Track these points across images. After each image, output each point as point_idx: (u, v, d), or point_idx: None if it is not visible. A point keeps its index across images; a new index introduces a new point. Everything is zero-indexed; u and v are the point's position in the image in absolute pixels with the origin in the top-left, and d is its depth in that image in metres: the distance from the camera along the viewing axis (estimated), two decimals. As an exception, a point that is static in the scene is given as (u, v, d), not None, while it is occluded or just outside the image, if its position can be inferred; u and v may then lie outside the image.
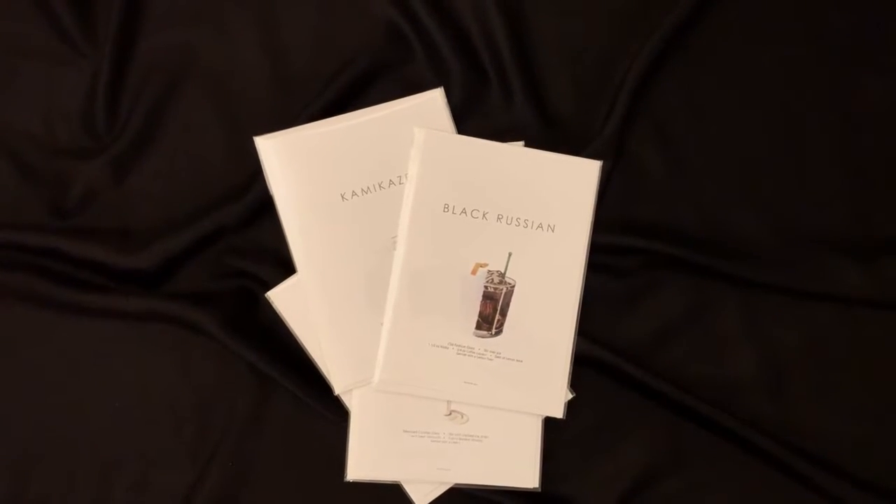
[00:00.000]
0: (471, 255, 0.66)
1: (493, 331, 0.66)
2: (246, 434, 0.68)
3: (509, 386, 0.66)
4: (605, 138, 0.68)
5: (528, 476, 0.66)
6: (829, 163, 0.70)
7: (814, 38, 0.71)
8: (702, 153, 0.70)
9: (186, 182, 0.70)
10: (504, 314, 0.66)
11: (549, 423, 0.67)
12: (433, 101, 0.69)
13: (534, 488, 0.67)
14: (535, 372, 0.66)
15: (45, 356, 0.68)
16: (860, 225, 0.69)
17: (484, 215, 0.67)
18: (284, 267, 0.68)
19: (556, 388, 0.66)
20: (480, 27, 0.70)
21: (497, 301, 0.66)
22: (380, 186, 0.67)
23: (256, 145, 0.67)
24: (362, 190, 0.67)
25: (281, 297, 0.67)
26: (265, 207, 0.68)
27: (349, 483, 0.66)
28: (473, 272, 0.66)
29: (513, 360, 0.66)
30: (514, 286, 0.66)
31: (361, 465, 0.66)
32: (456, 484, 0.67)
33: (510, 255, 0.66)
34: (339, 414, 0.67)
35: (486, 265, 0.66)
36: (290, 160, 0.67)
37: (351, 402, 0.67)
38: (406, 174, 0.67)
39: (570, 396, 0.67)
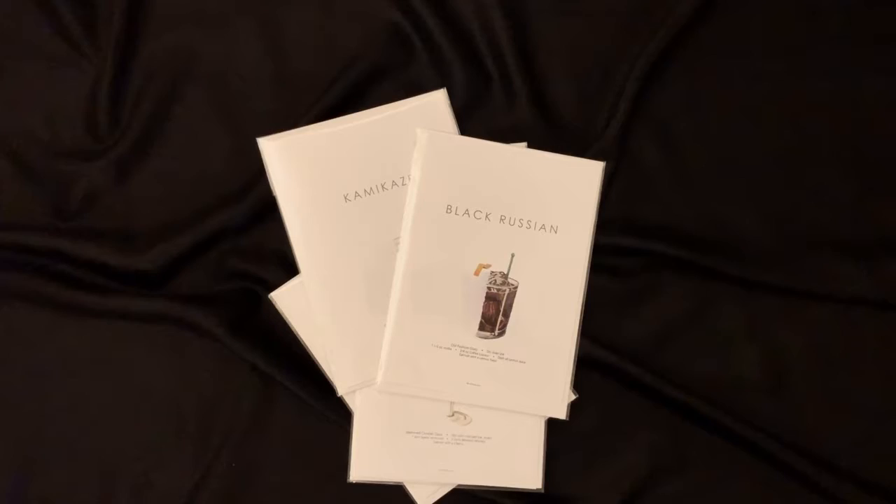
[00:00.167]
0: (473, 257, 0.66)
1: (496, 332, 0.66)
2: (249, 435, 0.68)
3: (512, 387, 0.66)
4: (607, 139, 0.69)
5: (530, 477, 0.67)
6: (830, 163, 0.70)
7: (814, 39, 0.71)
8: (704, 154, 0.70)
9: (189, 183, 0.70)
10: (507, 315, 0.66)
11: (551, 424, 0.67)
12: (436, 103, 0.69)
13: (536, 489, 0.67)
14: (537, 373, 0.66)
15: (47, 357, 0.68)
16: (861, 225, 0.69)
17: (487, 216, 0.67)
18: (287, 268, 0.68)
19: (558, 389, 0.66)
20: (483, 28, 0.70)
21: (500, 302, 0.66)
22: (382, 188, 0.67)
23: (259, 146, 0.67)
24: (365, 191, 0.67)
25: (284, 298, 0.67)
26: (268, 209, 0.68)
27: (352, 484, 0.66)
28: (476, 273, 0.66)
29: (515, 361, 0.66)
30: (516, 287, 0.66)
31: (364, 466, 0.66)
32: (459, 485, 0.67)
33: (513, 256, 0.66)
34: (342, 415, 0.67)
35: (488, 266, 0.66)
36: (293, 161, 0.67)
37: (354, 403, 0.67)
38: (409, 175, 0.67)
39: (572, 397, 0.67)
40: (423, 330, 0.66)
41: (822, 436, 0.67)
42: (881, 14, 0.72)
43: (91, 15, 0.72)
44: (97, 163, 0.70)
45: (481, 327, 0.66)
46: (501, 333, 0.66)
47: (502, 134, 0.69)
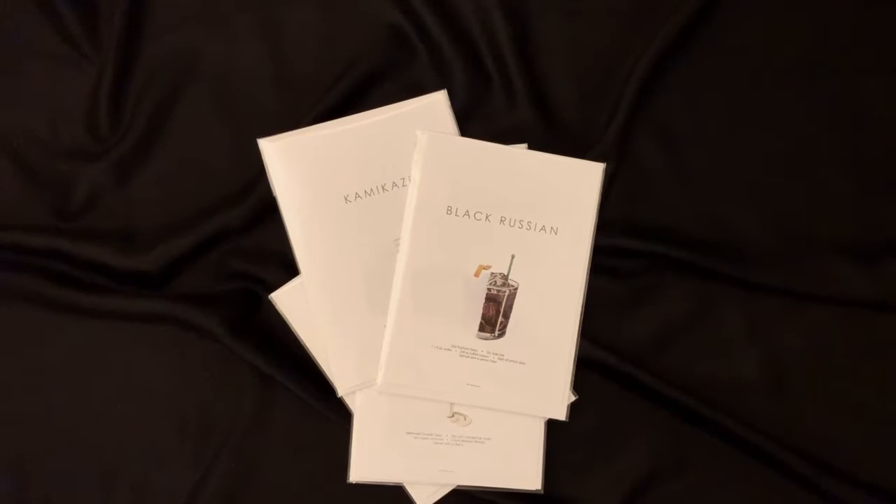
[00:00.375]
0: (474, 258, 0.66)
1: (496, 333, 0.66)
2: (249, 435, 0.68)
3: (512, 388, 0.66)
4: (608, 140, 0.69)
5: (530, 478, 0.67)
6: (831, 165, 0.70)
7: (815, 40, 0.71)
8: (705, 155, 0.70)
9: (189, 184, 0.70)
10: (507, 316, 0.66)
11: (551, 425, 0.67)
12: (436, 104, 0.69)
13: (536, 490, 0.67)
14: (537, 374, 0.66)
15: (48, 357, 0.68)
16: (862, 227, 0.69)
17: (487, 217, 0.67)
18: (287, 269, 0.68)
19: (558, 391, 0.66)
20: (483, 29, 0.70)
21: (500, 303, 0.66)
22: (383, 189, 0.67)
23: (260, 147, 0.67)
24: (365, 192, 0.67)
25: (284, 298, 0.67)
26: (268, 209, 0.68)
27: (352, 485, 0.66)
28: (476, 274, 0.66)
29: (515, 362, 0.66)
30: (516, 288, 0.66)
31: (364, 467, 0.66)
32: (458, 486, 0.67)
33: (513, 257, 0.66)
34: (342, 415, 0.67)
35: (489, 267, 0.66)
36: (294, 162, 0.67)
37: (354, 403, 0.67)
38: (409, 176, 0.67)
39: (572, 398, 0.67)
40: (423, 331, 0.66)
41: (823, 437, 0.67)
42: (881, 14, 0.72)
43: (92, 15, 0.72)
44: (98, 163, 0.70)
45: (481, 328, 0.66)
46: (501, 334, 0.66)
47: (503, 135, 0.69)
